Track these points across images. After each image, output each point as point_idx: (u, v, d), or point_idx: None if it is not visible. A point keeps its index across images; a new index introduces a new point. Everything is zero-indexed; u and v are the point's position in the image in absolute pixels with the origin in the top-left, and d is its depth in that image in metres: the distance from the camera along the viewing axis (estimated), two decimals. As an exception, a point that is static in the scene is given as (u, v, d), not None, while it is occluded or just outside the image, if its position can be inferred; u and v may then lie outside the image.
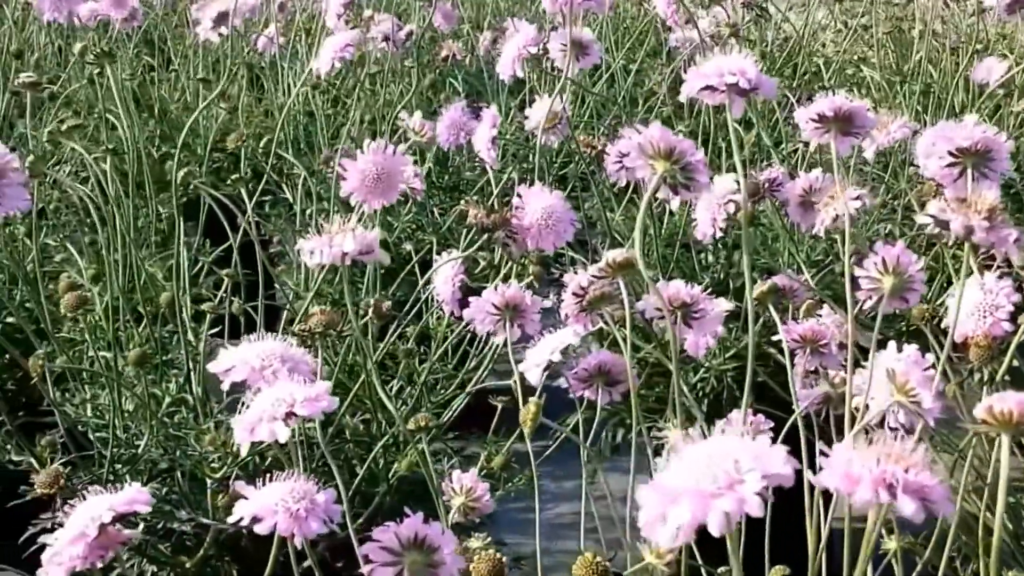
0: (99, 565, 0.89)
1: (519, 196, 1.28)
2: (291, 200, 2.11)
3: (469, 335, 1.59)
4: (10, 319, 2.01)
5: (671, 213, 1.87)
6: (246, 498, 0.89)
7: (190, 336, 1.61)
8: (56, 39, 2.85)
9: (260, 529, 0.86)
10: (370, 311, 1.32)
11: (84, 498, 0.91)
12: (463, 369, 1.56)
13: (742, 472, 0.61)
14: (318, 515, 0.89)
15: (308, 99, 2.49)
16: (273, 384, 0.95)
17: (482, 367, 1.50)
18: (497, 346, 1.41)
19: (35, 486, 1.15)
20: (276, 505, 0.88)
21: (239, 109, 2.63)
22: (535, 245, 1.28)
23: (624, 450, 1.70)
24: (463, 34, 2.92)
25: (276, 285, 1.89)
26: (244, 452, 0.92)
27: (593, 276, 1.29)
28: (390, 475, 1.36)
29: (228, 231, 1.76)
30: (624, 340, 1.07)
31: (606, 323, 1.19)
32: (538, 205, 1.27)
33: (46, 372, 1.34)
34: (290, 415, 0.91)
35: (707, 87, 0.99)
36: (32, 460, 1.36)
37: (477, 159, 1.85)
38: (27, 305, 2.01)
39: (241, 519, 0.88)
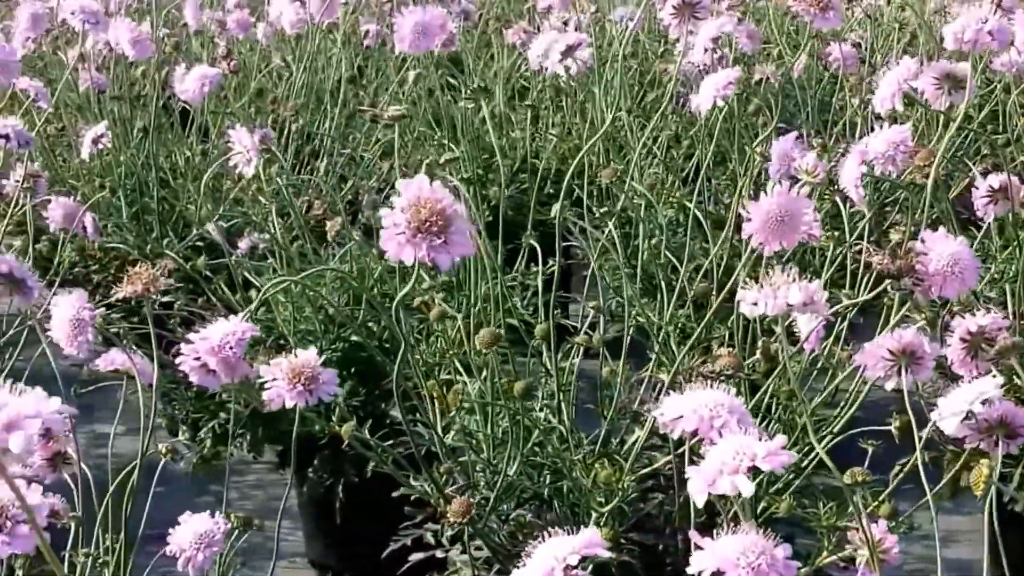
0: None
1: (923, 241, 1.25)
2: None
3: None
4: (354, 338, 2.13)
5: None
6: (701, 548, 0.91)
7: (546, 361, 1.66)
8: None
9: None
10: (758, 352, 1.31)
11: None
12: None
13: None
14: (778, 570, 0.89)
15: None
16: (722, 436, 0.95)
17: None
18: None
19: (449, 515, 1.20)
20: (738, 559, 0.88)
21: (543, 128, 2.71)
22: (939, 292, 1.25)
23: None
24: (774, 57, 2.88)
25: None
26: (700, 504, 0.93)
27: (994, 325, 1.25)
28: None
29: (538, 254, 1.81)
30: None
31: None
32: (944, 251, 1.24)
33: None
34: (752, 469, 0.91)
35: None
36: (426, 487, 1.42)
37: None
38: (368, 325, 2.13)
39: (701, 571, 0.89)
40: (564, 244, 2.54)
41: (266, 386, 1.26)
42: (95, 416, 2.34)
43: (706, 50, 1.63)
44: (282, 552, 1.63)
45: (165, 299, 2.42)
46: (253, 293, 2.19)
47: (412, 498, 1.63)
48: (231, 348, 1.36)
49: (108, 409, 2.15)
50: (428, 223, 1.01)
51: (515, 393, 1.41)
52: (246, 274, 2.06)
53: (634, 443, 1.43)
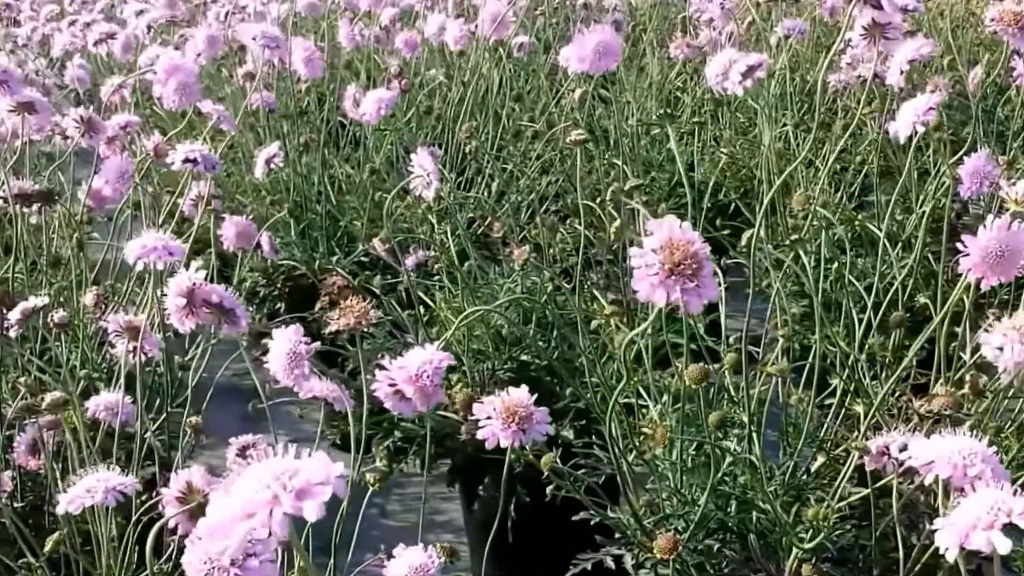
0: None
1: None
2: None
3: None
4: (524, 357, 2.14)
5: None
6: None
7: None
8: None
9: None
10: (966, 387, 1.27)
11: None
12: None
13: None
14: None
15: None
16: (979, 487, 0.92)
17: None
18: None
19: (656, 551, 1.20)
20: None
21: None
22: None
23: None
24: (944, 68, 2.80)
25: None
26: (951, 559, 0.90)
27: None
28: None
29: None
30: None
31: None
32: None
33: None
34: (1008, 525, 0.88)
35: None
36: (622, 518, 1.41)
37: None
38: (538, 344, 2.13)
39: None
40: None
41: (480, 424, 1.26)
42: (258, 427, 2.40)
43: (902, 72, 1.59)
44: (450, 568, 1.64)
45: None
46: (422, 310, 2.22)
47: (592, 522, 1.63)
48: (428, 377, 1.37)
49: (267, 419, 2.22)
50: (682, 265, 1.01)
51: (710, 424, 1.39)
52: (421, 294, 2.08)
53: (839, 479, 1.39)
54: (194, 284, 1.39)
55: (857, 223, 2.03)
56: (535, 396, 1.30)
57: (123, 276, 2.45)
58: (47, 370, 1.82)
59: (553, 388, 2.08)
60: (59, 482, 1.62)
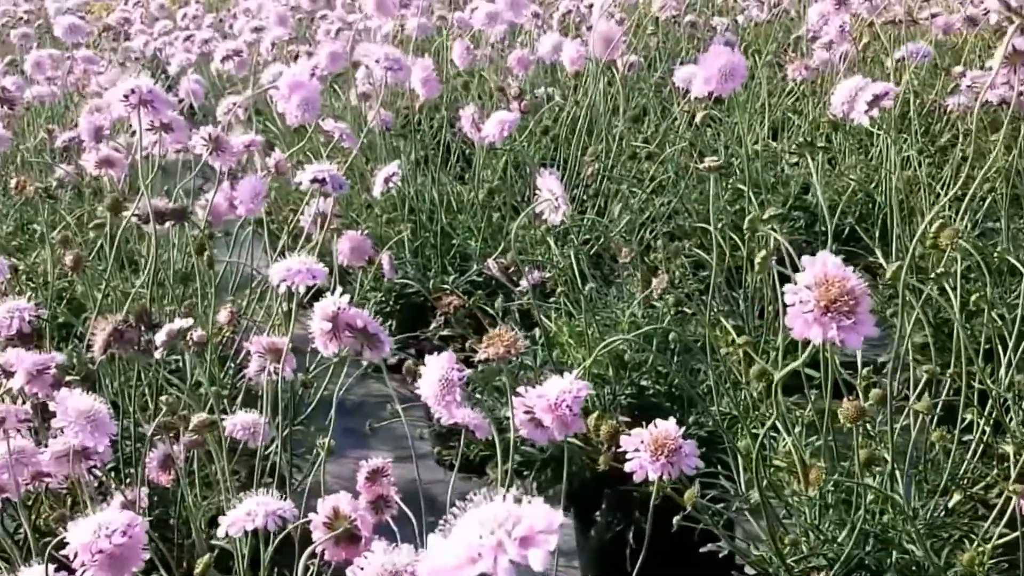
0: None
1: None
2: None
3: None
4: (644, 381, 2.12)
5: None
6: None
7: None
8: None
9: None
10: None
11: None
12: None
13: None
14: None
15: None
16: None
17: None
18: None
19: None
20: None
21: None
22: None
23: None
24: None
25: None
26: None
27: None
28: None
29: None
30: None
31: None
32: None
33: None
34: None
35: None
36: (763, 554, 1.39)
37: None
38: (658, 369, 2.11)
39: None
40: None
41: (627, 456, 1.25)
42: (362, 443, 2.41)
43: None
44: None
45: (445, 332, 2.48)
46: (537, 332, 2.21)
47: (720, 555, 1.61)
48: (567, 406, 1.37)
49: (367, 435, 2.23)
50: (838, 302, 0.99)
51: (860, 461, 1.37)
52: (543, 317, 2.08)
53: (989, 521, 1.36)
54: (339, 308, 1.40)
55: (996, 254, 1.99)
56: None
57: (240, 291, 2.49)
58: (182, 388, 1.84)
59: (673, 414, 2.06)
60: (187, 497, 1.65)
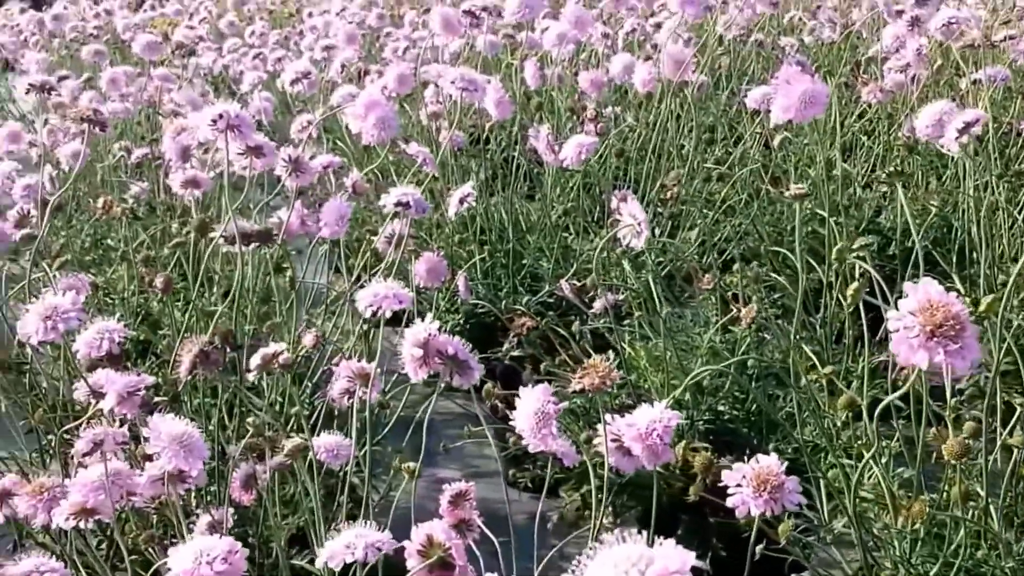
0: None
1: None
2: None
3: None
4: (721, 407, 2.11)
5: None
6: None
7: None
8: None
9: None
10: None
11: None
12: None
13: None
14: None
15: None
16: None
17: None
18: None
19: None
20: None
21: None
22: None
23: None
24: None
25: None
26: None
27: None
28: None
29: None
30: None
31: None
32: None
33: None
34: None
35: None
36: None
37: None
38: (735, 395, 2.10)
39: None
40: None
41: (729, 491, 1.24)
42: (431, 460, 2.41)
43: None
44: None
45: (515, 353, 2.48)
46: (610, 354, 2.20)
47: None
48: (658, 436, 1.36)
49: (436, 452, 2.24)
50: (943, 327, 0.99)
51: (957, 497, 1.35)
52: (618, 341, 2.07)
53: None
54: (430, 335, 1.40)
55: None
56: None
57: (313, 308, 2.51)
58: (268, 410, 1.86)
59: (750, 441, 2.05)
60: (269, 516, 1.66)
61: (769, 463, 1.23)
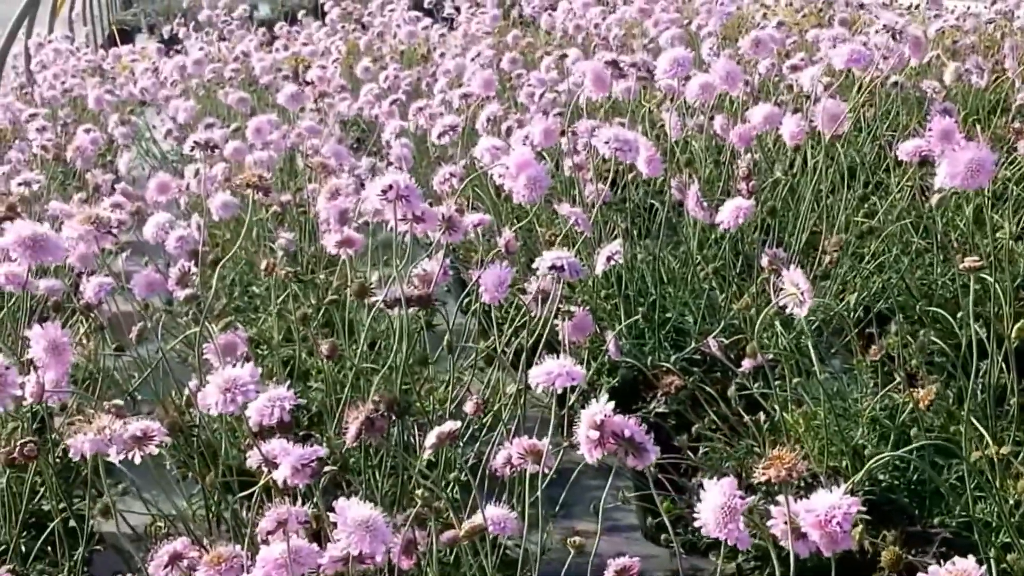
0: None
1: None
2: None
3: None
4: (881, 475, 2.06)
5: None
6: None
7: None
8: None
9: None
10: None
11: None
12: None
13: None
14: None
15: None
16: None
17: None
18: None
19: None
20: None
21: None
22: None
23: None
24: None
25: None
26: None
27: None
28: None
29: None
30: None
31: None
32: None
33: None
34: None
35: None
36: None
37: None
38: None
39: None
40: None
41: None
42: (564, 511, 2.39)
43: None
44: None
45: (660, 409, 2.47)
46: (761, 416, 2.18)
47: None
48: (838, 523, 1.34)
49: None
50: None
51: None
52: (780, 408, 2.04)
53: None
54: (605, 417, 1.40)
55: None
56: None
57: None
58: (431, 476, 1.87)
59: (911, 512, 1.99)
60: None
61: (965, 566, 1.20)
